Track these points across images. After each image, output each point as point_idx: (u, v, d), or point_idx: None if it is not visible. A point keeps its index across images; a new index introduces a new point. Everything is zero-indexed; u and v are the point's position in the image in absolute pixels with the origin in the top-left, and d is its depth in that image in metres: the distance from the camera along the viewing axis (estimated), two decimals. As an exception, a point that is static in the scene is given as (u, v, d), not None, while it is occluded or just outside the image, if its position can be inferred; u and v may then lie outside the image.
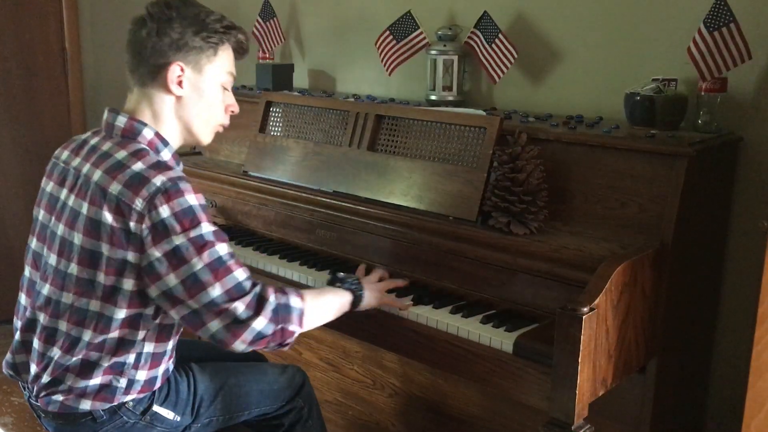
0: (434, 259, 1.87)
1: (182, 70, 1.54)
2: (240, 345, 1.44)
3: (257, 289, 1.47)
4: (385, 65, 2.45)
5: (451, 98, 2.41)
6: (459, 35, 2.39)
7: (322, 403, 2.08)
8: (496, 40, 2.21)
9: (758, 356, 1.36)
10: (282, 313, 1.48)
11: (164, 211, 1.40)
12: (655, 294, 1.66)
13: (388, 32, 2.41)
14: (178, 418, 1.63)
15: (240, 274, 1.45)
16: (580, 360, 1.41)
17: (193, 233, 1.41)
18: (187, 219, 1.42)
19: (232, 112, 1.67)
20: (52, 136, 3.71)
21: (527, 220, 1.77)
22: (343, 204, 2.08)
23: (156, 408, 1.59)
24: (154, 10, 1.54)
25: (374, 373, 2.32)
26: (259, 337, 1.45)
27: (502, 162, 1.80)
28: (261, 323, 1.44)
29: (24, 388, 1.64)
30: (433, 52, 2.39)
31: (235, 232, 2.35)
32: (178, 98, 1.57)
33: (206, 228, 1.43)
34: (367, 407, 2.37)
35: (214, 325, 1.43)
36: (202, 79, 1.58)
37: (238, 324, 1.43)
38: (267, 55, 2.92)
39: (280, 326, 1.47)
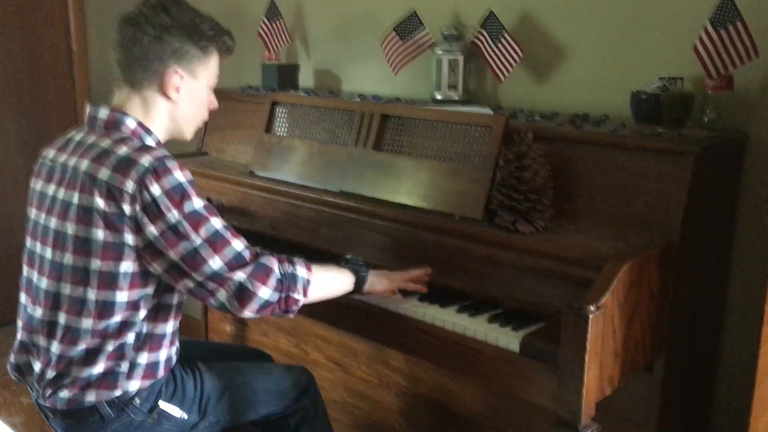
0: (440, 258, 1.87)
1: (181, 77, 1.59)
2: (248, 313, 1.50)
3: (262, 260, 1.52)
4: (390, 65, 2.45)
5: (456, 97, 2.41)
6: (464, 35, 2.39)
7: (329, 402, 2.07)
8: (502, 39, 2.21)
9: (765, 354, 1.35)
10: (287, 282, 1.53)
11: (155, 190, 1.44)
12: (662, 292, 1.66)
13: (393, 32, 2.41)
14: (186, 416, 1.64)
15: (238, 245, 1.51)
16: (586, 359, 1.41)
17: (186, 209, 1.46)
18: (178, 195, 1.46)
19: (213, 108, 1.73)
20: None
21: (533, 218, 1.77)
22: (349, 203, 2.08)
23: (162, 405, 1.60)
24: (151, 14, 1.55)
25: (381, 372, 2.32)
26: (266, 305, 1.51)
27: (508, 161, 1.80)
28: (266, 293, 1.50)
29: (31, 389, 1.65)
30: (439, 51, 2.39)
31: (241, 232, 2.35)
32: (174, 102, 1.61)
33: (198, 203, 1.48)
34: (373, 406, 2.37)
35: (222, 295, 1.49)
36: (197, 85, 1.63)
37: (244, 293, 1.48)
38: (273, 56, 2.92)
39: (285, 294, 1.53)
